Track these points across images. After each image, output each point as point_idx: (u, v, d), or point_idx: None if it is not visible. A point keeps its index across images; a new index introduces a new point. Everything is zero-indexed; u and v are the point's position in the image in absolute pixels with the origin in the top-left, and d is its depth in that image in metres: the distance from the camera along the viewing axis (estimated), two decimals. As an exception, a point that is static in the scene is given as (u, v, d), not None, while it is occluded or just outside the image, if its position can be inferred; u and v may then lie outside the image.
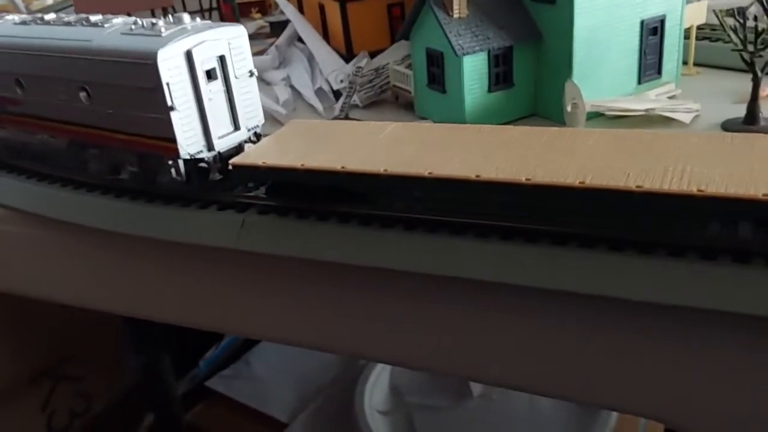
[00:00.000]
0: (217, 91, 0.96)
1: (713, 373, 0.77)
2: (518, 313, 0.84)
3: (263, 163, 0.90)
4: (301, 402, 2.02)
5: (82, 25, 1.02)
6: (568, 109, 1.10)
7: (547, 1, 1.10)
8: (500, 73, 1.13)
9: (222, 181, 0.99)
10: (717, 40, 1.31)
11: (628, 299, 0.73)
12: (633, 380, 0.82)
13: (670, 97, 1.16)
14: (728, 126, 1.07)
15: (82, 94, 1.00)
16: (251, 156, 0.93)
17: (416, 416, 1.90)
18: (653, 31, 1.14)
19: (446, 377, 1.97)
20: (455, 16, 1.11)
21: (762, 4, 1.02)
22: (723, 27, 1.03)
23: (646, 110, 1.10)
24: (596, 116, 1.12)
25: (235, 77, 0.97)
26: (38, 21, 1.08)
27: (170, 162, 0.96)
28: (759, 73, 1.02)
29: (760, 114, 1.05)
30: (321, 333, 1.00)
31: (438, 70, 1.15)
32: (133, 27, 0.96)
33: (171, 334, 1.97)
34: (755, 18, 1.02)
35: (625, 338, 0.80)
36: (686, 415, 0.80)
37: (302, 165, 0.88)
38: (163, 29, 0.92)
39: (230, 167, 0.94)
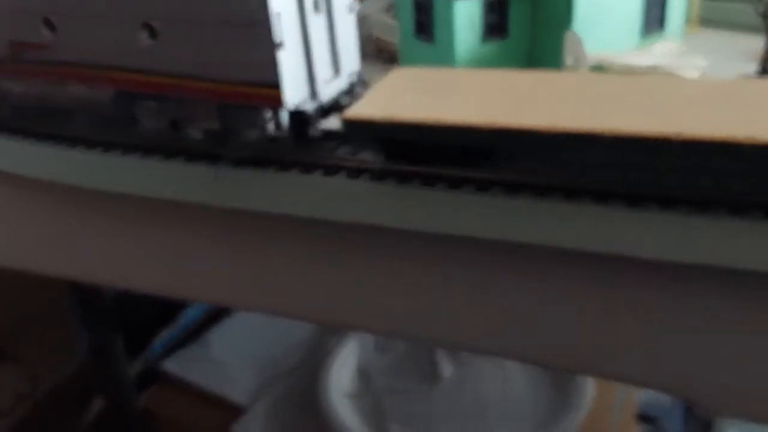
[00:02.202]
0: (320, 27, 0.80)
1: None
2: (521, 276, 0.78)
3: (385, 117, 0.75)
4: (262, 385, 1.93)
5: None
6: (569, 62, 1.02)
7: (547, -58, 1.02)
8: (494, 22, 1.05)
9: (323, 138, 0.84)
10: (720, -3, 1.25)
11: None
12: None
13: (675, 53, 1.09)
14: (740, 82, 1.00)
15: (143, 34, 0.82)
16: (364, 109, 0.78)
17: (385, 400, 1.84)
18: (659, -19, 1.07)
19: (414, 360, 1.92)
20: (447, -43, 1.02)
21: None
22: (740, -25, 0.96)
23: (652, 65, 1.03)
24: (598, 71, 1.04)
25: (338, 10, 0.82)
26: None
27: (269, 114, 0.80)
28: (774, 27, 0.96)
29: (774, 70, 0.99)
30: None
31: (427, 18, 1.06)
32: None
33: (123, 312, 1.90)
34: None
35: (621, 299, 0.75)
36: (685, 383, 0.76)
37: (437, 120, 0.73)
38: None
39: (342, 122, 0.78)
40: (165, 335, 2.07)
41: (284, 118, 0.80)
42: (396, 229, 0.76)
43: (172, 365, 1.99)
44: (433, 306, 0.84)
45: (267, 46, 0.75)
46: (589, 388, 1.77)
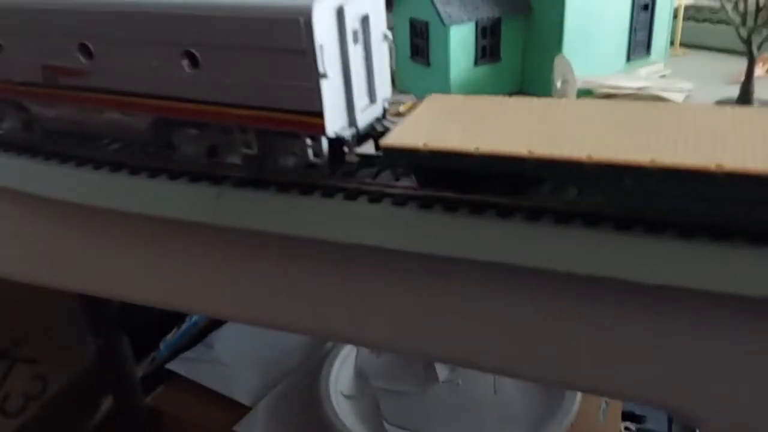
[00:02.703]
0: (358, 57, 0.81)
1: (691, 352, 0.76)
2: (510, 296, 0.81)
3: (424, 145, 0.76)
4: (264, 385, 1.96)
5: None
6: (558, 85, 1.07)
7: (538, -29, 1.07)
8: (487, 46, 1.10)
9: (359, 164, 0.85)
10: (704, 20, 1.30)
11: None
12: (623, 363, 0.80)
13: (660, 76, 1.14)
14: (721, 106, 1.05)
15: (185, 62, 0.82)
16: (401, 137, 0.79)
17: (382, 401, 1.87)
18: (644, 7, 1.12)
19: (410, 363, 1.95)
20: (443, -16, 1.07)
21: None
22: (722, 3, 1.00)
23: (638, 88, 1.08)
24: (585, 93, 1.09)
25: (374, 40, 0.83)
26: None
27: (309, 141, 0.81)
28: (755, 51, 1.00)
29: (754, 94, 1.03)
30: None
31: (422, 42, 1.11)
32: None
33: (130, 315, 1.92)
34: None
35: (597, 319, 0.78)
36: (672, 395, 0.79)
37: (476, 149, 0.74)
38: None
39: (379, 149, 0.80)
40: (171, 338, 2.09)
41: (324, 144, 0.81)
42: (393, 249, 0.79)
43: (178, 366, 2.01)
44: (434, 324, 0.87)
45: (311, 76, 0.76)
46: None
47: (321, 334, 1.17)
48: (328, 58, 0.76)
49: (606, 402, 1.89)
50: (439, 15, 1.04)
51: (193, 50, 0.81)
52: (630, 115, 0.79)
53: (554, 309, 0.80)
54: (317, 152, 0.81)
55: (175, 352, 2.07)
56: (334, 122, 0.79)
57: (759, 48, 0.99)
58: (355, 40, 0.80)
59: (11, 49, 0.94)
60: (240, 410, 1.90)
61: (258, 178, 0.86)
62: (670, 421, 2.12)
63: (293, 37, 0.74)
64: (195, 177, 0.89)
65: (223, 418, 1.88)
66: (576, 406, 1.79)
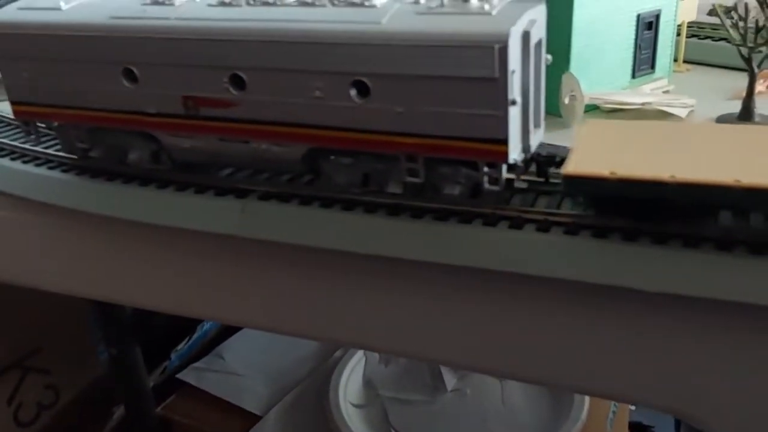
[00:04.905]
0: (532, 82, 0.77)
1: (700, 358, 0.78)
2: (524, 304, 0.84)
3: (611, 174, 0.71)
4: (274, 395, 1.99)
5: (334, 5, 0.80)
6: (566, 101, 1.10)
7: (547, -8, 1.11)
8: (500, 64, 1.13)
9: (527, 191, 0.82)
10: (706, 37, 1.34)
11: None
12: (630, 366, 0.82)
13: (664, 92, 1.18)
14: (723, 121, 1.08)
15: (353, 91, 0.78)
16: (581, 165, 0.74)
17: (390, 409, 1.90)
18: (648, 26, 1.15)
19: (419, 372, 1.97)
20: (455, 5, 1.10)
21: (759, -1, 1.04)
22: (722, 22, 1.04)
23: (643, 104, 1.11)
24: (592, 109, 1.12)
25: (541, 65, 0.79)
26: (251, 2, 0.85)
27: (487, 169, 0.76)
28: (756, 69, 1.04)
29: (755, 109, 1.06)
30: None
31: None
32: (431, 6, 0.76)
33: (141, 325, 1.95)
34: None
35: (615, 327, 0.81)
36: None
37: (672, 177, 0.69)
38: (486, 6, 0.73)
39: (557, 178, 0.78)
40: (181, 348, 2.13)
41: (503, 172, 0.77)
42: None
43: (189, 376, 2.04)
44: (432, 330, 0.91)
45: (499, 103, 0.72)
46: (584, 400, 1.83)
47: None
48: (516, 85, 0.73)
49: (613, 411, 1.91)
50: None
51: (364, 79, 0.77)
52: None
53: (563, 318, 0.82)
54: (494, 180, 0.77)
55: (186, 363, 2.10)
56: (514, 149, 0.76)
57: (759, 65, 1.03)
58: (532, 64, 0.77)
59: (148, 80, 0.89)
60: (250, 419, 1.93)
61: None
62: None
63: (485, 64, 0.71)
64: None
65: (233, 427, 1.91)
66: (583, 416, 1.81)
